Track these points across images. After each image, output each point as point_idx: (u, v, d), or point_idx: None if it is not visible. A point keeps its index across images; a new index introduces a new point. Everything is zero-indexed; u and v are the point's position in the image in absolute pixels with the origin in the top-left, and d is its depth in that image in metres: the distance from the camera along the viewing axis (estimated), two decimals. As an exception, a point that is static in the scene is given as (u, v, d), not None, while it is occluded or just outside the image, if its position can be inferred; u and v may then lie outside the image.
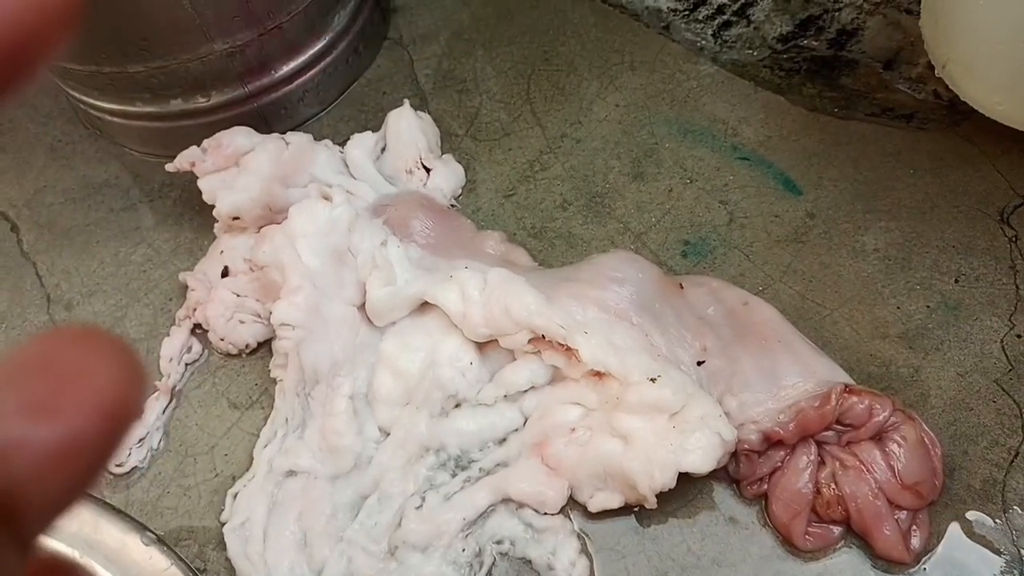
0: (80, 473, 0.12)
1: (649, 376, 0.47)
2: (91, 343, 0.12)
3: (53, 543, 0.38)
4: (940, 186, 0.60)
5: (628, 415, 0.46)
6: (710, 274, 0.57)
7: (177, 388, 0.55)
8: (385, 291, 0.53)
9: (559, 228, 0.61)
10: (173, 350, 0.56)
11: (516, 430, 0.51)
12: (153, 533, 0.38)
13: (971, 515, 0.46)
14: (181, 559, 0.37)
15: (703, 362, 0.50)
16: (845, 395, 0.47)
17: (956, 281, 0.55)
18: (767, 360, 0.49)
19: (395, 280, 0.54)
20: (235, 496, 0.49)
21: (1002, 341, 0.52)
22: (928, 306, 0.54)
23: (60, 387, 0.12)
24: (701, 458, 0.44)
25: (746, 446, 0.47)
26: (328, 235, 0.54)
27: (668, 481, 0.44)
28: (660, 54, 0.71)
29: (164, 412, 0.54)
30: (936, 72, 0.61)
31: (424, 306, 0.54)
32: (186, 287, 0.59)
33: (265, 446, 0.51)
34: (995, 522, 0.46)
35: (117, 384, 0.12)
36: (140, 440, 0.53)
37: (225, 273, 0.59)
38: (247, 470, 0.51)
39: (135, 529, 0.38)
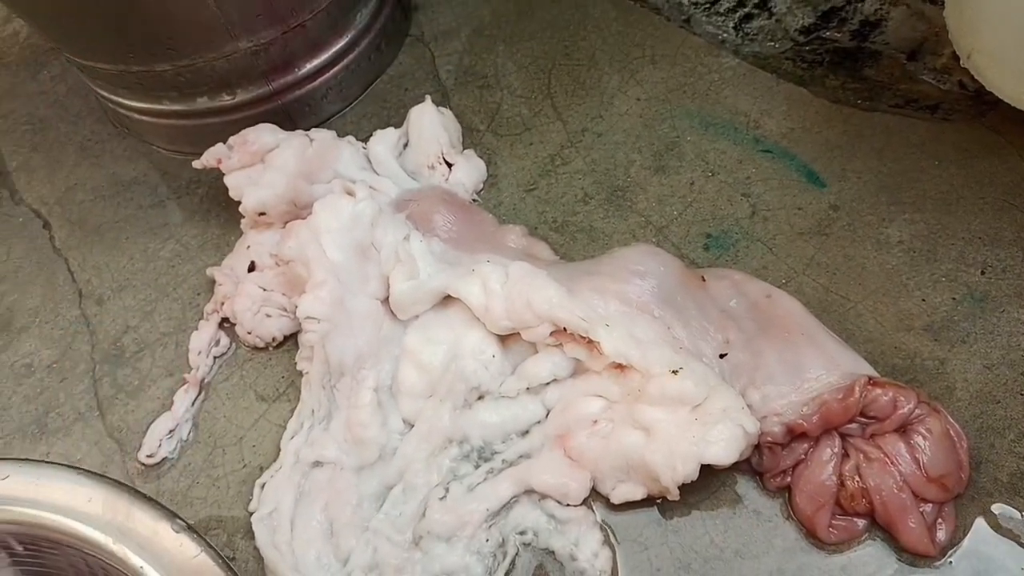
0: None
1: (671, 368, 0.47)
2: None
3: (87, 529, 0.39)
4: (966, 177, 0.59)
5: (650, 407, 0.46)
6: (732, 267, 0.57)
7: (206, 381, 0.56)
8: (408, 285, 0.53)
9: (580, 222, 0.61)
10: (201, 343, 0.57)
11: (539, 422, 0.51)
12: (183, 521, 0.39)
13: (997, 508, 0.46)
14: (211, 546, 0.38)
15: (725, 355, 0.50)
16: (869, 387, 0.46)
17: (982, 273, 0.54)
18: (790, 353, 0.49)
19: (418, 274, 0.54)
20: (263, 486, 0.50)
21: (1029, 333, 0.52)
22: (954, 298, 0.54)
23: None
24: (724, 450, 0.44)
25: (769, 438, 0.47)
26: (352, 230, 0.55)
27: (690, 473, 0.44)
28: (681, 47, 0.70)
29: (193, 404, 0.55)
30: (961, 62, 0.60)
31: (447, 300, 0.55)
32: (214, 282, 0.60)
33: (292, 437, 0.52)
34: (1022, 515, 0.45)
35: None
36: (170, 432, 0.54)
37: (252, 268, 0.60)
38: (274, 461, 0.52)
39: (166, 517, 0.39)
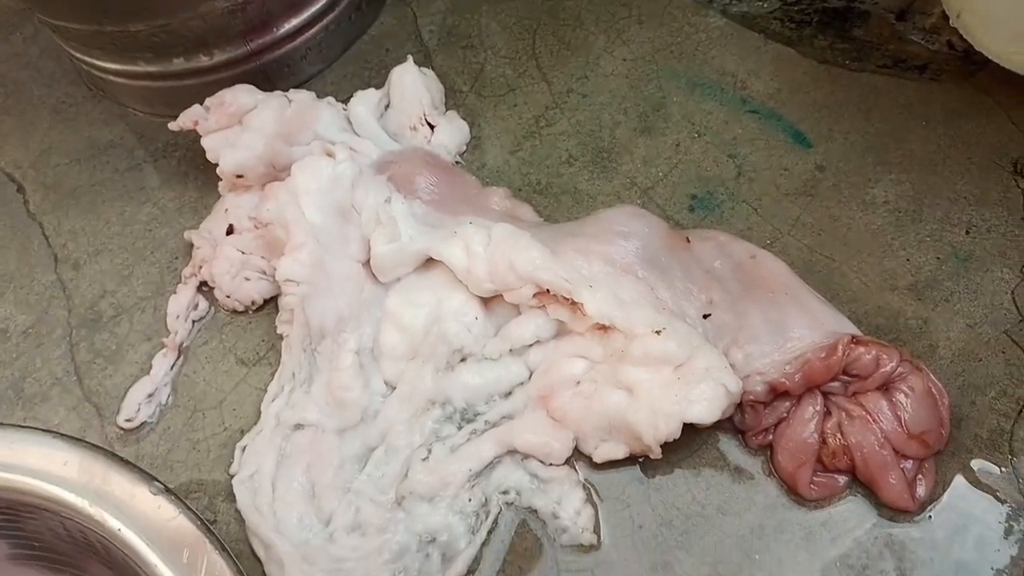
0: None
1: (654, 329, 0.46)
2: None
3: (63, 493, 0.38)
4: (953, 138, 0.59)
5: (633, 367, 0.46)
6: (718, 228, 0.57)
7: (184, 345, 0.56)
8: (389, 247, 0.53)
9: (565, 184, 0.61)
10: (180, 307, 0.57)
11: (521, 384, 0.51)
12: (161, 484, 0.38)
13: (977, 464, 0.46)
14: (189, 508, 0.38)
15: (709, 315, 0.50)
16: (852, 346, 0.46)
17: (967, 232, 0.54)
18: (774, 312, 0.49)
19: (399, 236, 0.53)
20: (244, 449, 0.50)
21: (1012, 292, 0.52)
22: (938, 258, 0.54)
23: None
24: (706, 409, 0.44)
25: (752, 397, 0.47)
26: (332, 192, 0.54)
27: (672, 431, 0.44)
28: (668, 7, 0.69)
29: (172, 368, 0.55)
30: (951, 22, 0.59)
31: (429, 262, 0.54)
32: (192, 245, 0.59)
33: (273, 400, 0.51)
34: (1001, 471, 0.45)
35: None
36: (149, 396, 0.53)
37: (230, 231, 0.59)
38: (255, 424, 0.51)
39: (143, 480, 0.38)
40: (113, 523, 0.38)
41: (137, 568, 0.37)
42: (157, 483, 0.39)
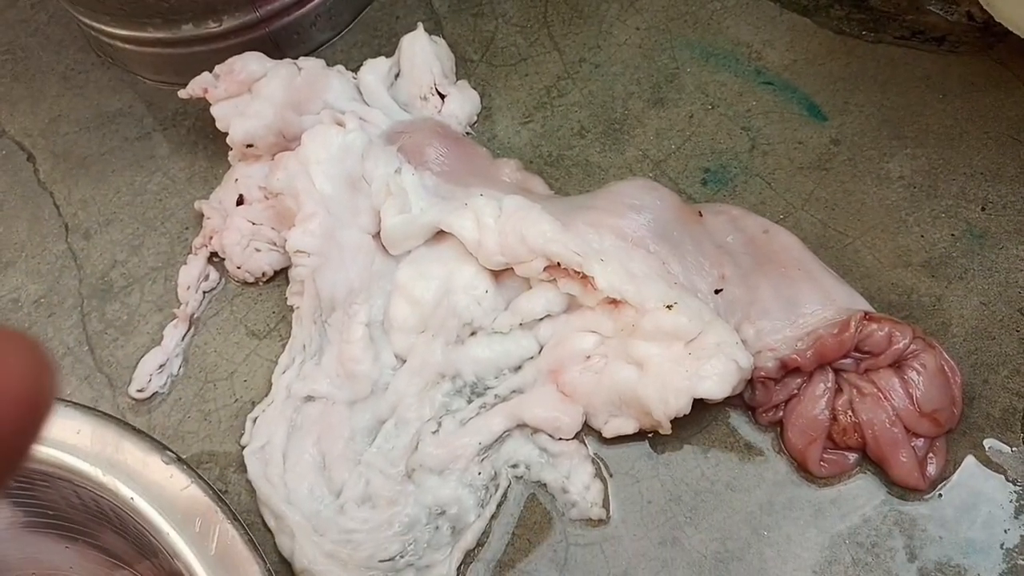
0: (5, 454, 0.13)
1: (665, 303, 0.46)
2: (5, 343, 0.14)
3: (77, 462, 0.39)
4: (970, 111, 0.58)
5: (644, 342, 0.46)
6: (730, 202, 0.56)
7: (195, 316, 0.56)
8: (400, 219, 0.52)
9: (576, 156, 0.60)
10: (190, 278, 0.57)
11: (531, 358, 0.51)
12: (173, 453, 0.39)
13: (988, 443, 0.46)
14: (201, 477, 0.38)
15: (721, 290, 0.50)
16: (864, 322, 0.46)
17: (983, 209, 0.54)
18: (786, 288, 0.49)
19: (410, 208, 0.53)
20: (255, 420, 0.50)
21: (1028, 270, 0.51)
22: (953, 234, 0.53)
23: None
24: (717, 384, 0.44)
25: (763, 373, 0.46)
26: (342, 162, 0.54)
27: (683, 407, 0.44)
28: (683, -25, 0.68)
29: (183, 339, 0.55)
30: (972, -9, 0.58)
31: (439, 235, 0.54)
32: (202, 215, 0.59)
33: (283, 372, 0.51)
34: (1012, 450, 0.45)
35: (30, 379, 0.13)
36: (160, 367, 0.53)
37: (240, 201, 0.58)
38: (266, 396, 0.51)
39: (156, 449, 0.38)
40: (126, 491, 0.38)
41: (150, 537, 0.37)
42: (169, 452, 0.39)
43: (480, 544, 0.46)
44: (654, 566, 0.44)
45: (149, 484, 0.37)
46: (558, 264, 0.49)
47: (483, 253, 0.51)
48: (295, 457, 0.48)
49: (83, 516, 0.41)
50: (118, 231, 0.61)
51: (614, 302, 0.48)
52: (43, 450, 0.40)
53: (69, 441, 0.39)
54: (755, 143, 0.59)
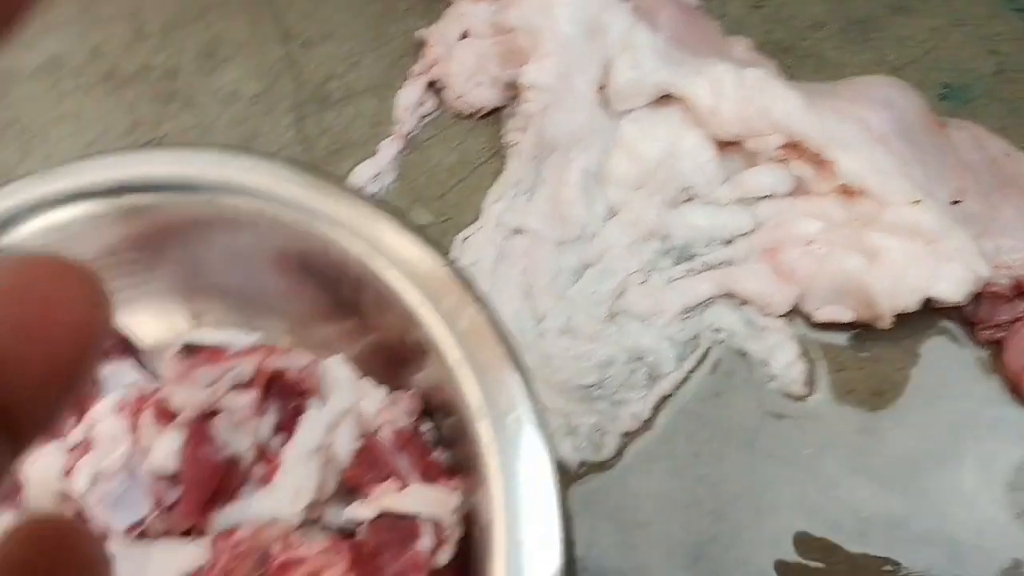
0: (63, 386, 0.13)
1: (911, 199, 0.45)
2: (63, 273, 0.14)
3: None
4: None
5: (881, 234, 0.45)
6: (970, 121, 0.54)
7: (411, 135, 0.57)
8: (633, 74, 0.52)
9: (809, 48, 0.58)
10: (409, 101, 0.57)
11: (744, 234, 0.50)
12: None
13: None
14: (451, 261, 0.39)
15: (959, 202, 0.48)
16: (1116, 257, 0.44)
17: None
18: (1029, 211, 0.47)
19: (642, 65, 0.52)
20: (465, 240, 0.51)
21: None
22: None
23: (43, 312, 0.13)
24: (952, 288, 0.43)
25: (995, 289, 0.45)
26: (586, 6, 0.53)
27: (912, 304, 0.44)
28: None
29: (398, 155, 0.56)
30: None
31: (662, 100, 0.53)
32: (420, 46, 0.60)
33: (496, 202, 0.52)
34: None
35: (87, 310, 0.14)
36: (374, 176, 0.55)
37: (464, 36, 0.58)
38: (474, 221, 0.52)
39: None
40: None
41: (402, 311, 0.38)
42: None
43: (675, 392, 0.46)
44: (850, 451, 0.44)
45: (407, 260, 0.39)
46: (795, 144, 0.48)
47: (716, 121, 0.50)
48: (502, 281, 0.49)
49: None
50: (336, 46, 0.62)
51: (849, 192, 0.47)
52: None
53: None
54: (1002, 68, 0.56)
